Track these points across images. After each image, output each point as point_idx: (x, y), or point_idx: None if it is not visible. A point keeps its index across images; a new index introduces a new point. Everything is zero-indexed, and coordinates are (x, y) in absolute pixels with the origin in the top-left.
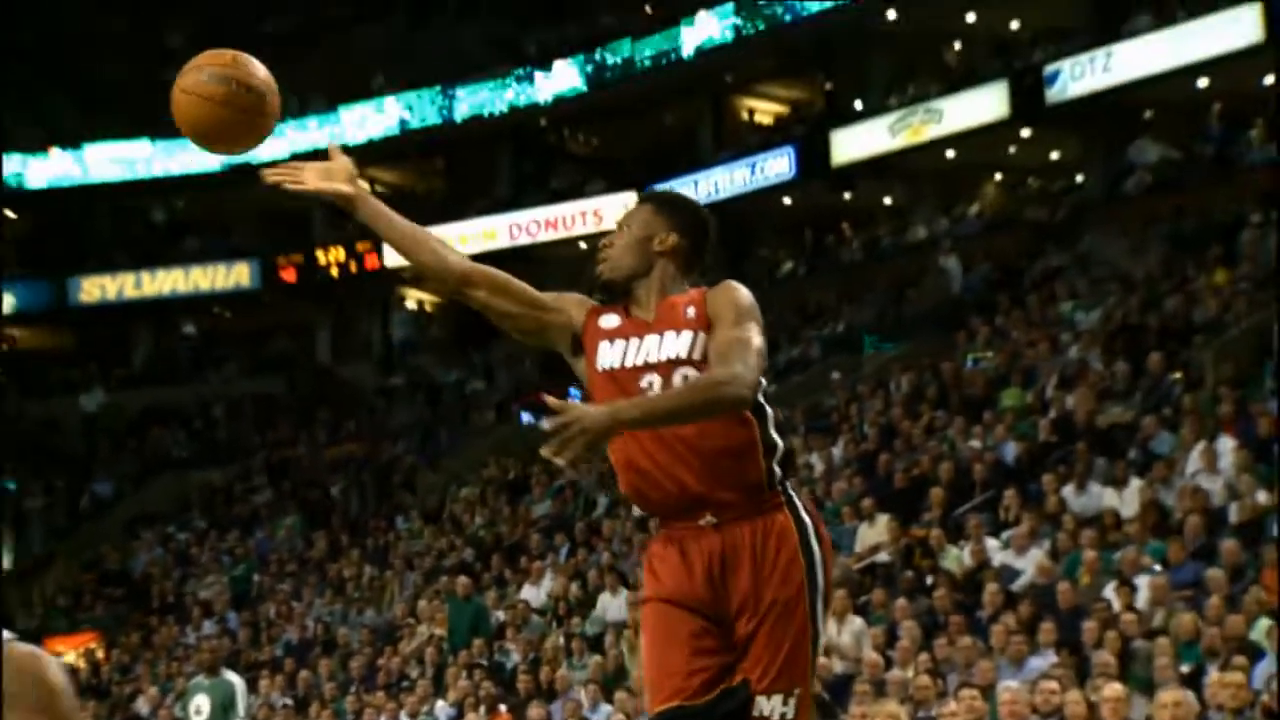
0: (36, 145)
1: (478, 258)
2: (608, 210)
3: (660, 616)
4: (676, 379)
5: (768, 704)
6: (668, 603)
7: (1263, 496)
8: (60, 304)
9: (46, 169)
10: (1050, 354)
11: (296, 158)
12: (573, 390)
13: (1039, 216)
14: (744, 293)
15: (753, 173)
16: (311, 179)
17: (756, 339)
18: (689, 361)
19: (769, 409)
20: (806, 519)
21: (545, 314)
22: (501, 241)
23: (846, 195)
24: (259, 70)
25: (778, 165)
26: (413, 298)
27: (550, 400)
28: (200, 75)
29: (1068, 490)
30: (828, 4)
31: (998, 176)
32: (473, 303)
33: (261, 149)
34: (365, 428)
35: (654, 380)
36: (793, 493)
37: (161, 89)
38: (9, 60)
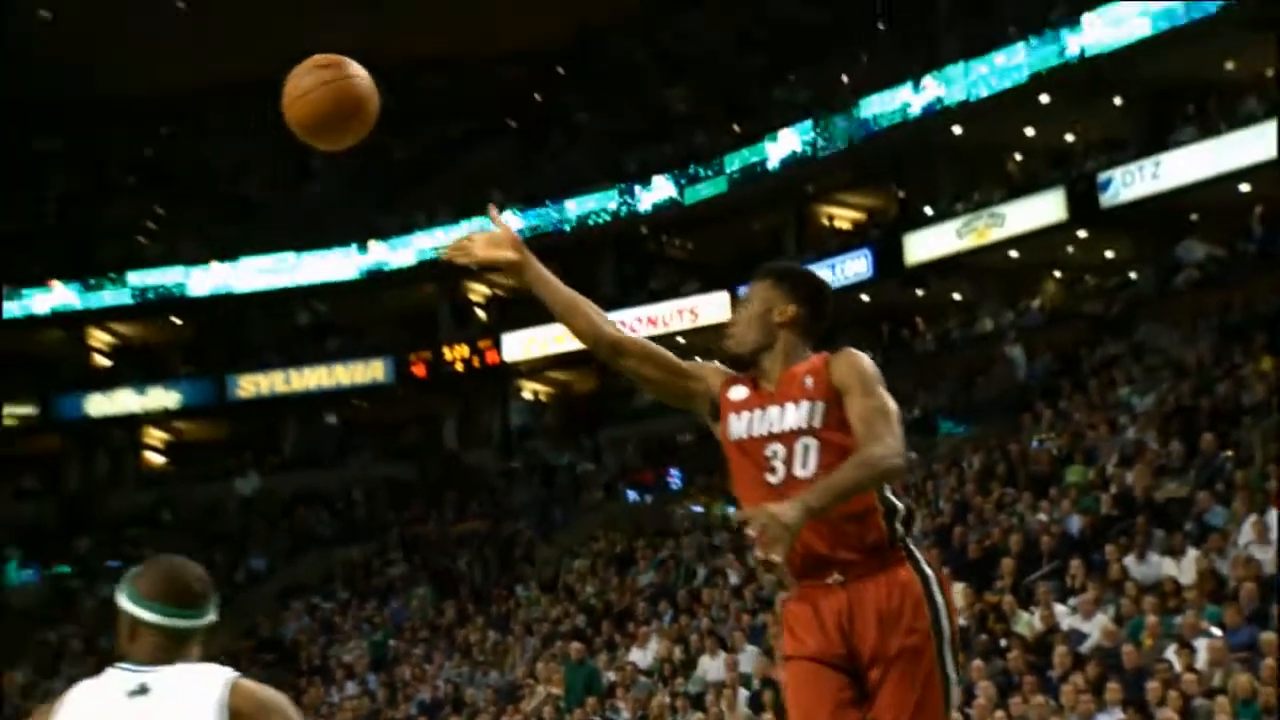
0: (198, 258)
1: (585, 354)
2: (702, 308)
3: (802, 673)
4: (798, 448)
5: None
6: (808, 660)
7: None
8: (220, 400)
9: (207, 279)
10: (1110, 434)
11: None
12: (673, 471)
13: (1096, 310)
14: (865, 360)
15: (833, 273)
16: (480, 249)
17: (890, 404)
18: (809, 431)
19: None
20: (929, 571)
21: (687, 382)
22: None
23: (919, 292)
24: (354, 66)
25: (856, 266)
26: (529, 389)
27: (742, 514)
28: (302, 79)
29: (1129, 560)
30: (897, 121)
31: (1057, 274)
32: (623, 369)
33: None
34: (488, 506)
35: (778, 449)
36: (914, 549)
37: (302, 205)
38: (174, 185)
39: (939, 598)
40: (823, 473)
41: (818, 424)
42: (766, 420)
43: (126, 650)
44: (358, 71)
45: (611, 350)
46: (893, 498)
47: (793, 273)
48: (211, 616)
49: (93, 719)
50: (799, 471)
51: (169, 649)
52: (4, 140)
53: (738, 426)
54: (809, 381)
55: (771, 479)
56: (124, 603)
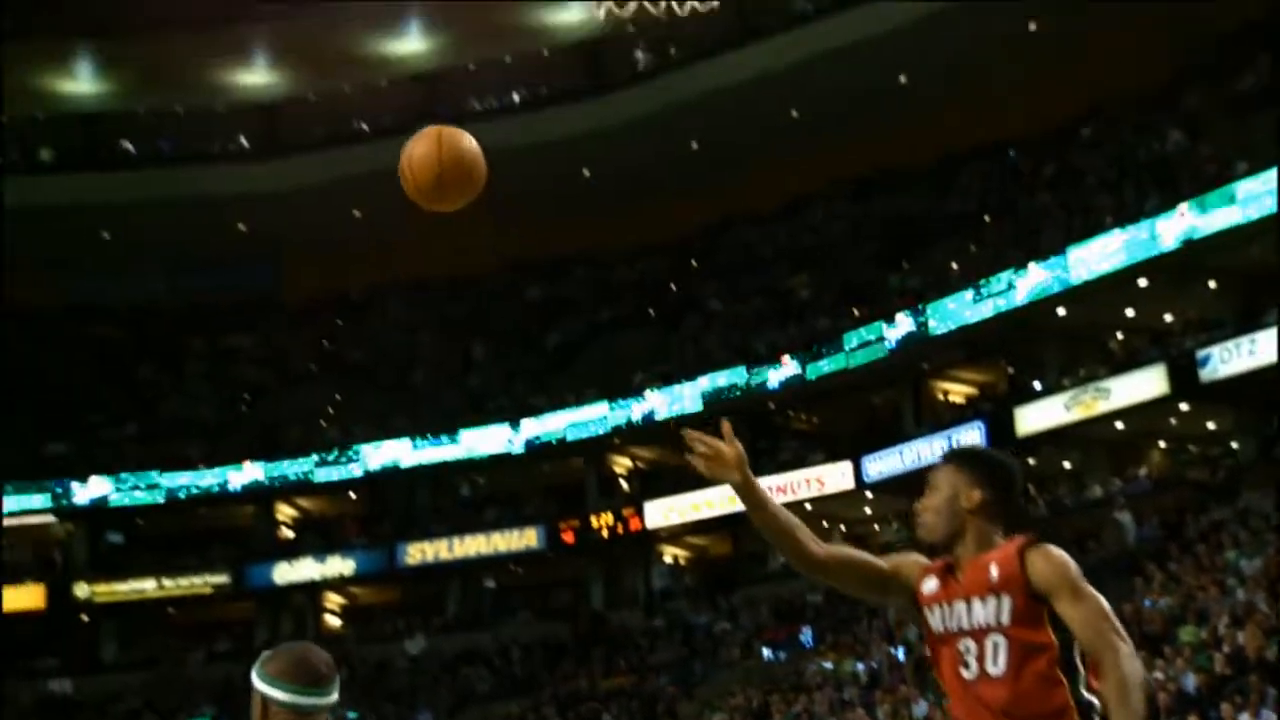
0: (371, 438)
1: (720, 520)
2: (827, 477)
3: None
4: (988, 645)
5: None
6: None
7: None
8: (390, 566)
9: (379, 456)
10: (1220, 596)
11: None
12: (804, 629)
13: (1200, 477)
14: (1063, 558)
15: (949, 444)
16: (712, 466)
17: (1103, 601)
18: (998, 628)
19: (1082, 668)
20: None
21: (887, 583)
22: (740, 507)
23: (1031, 461)
24: (465, 140)
25: (970, 437)
26: (669, 553)
27: None
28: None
29: (1244, 717)
30: (1005, 304)
31: (1162, 444)
32: (825, 582)
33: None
34: (633, 663)
35: (970, 645)
36: None
37: (466, 390)
38: (350, 374)
39: None
40: (1012, 671)
41: (1006, 621)
42: (956, 615)
43: None
44: (464, 139)
45: (815, 569)
46: (1085, 693)
47: (977, 456)
48: (334, 697)
49: None
50: (991, 669)
51: None
52: (204, 337)
53: (933, 620)
54: (995, 574)
55: (966, 674)
56: (258, 683)
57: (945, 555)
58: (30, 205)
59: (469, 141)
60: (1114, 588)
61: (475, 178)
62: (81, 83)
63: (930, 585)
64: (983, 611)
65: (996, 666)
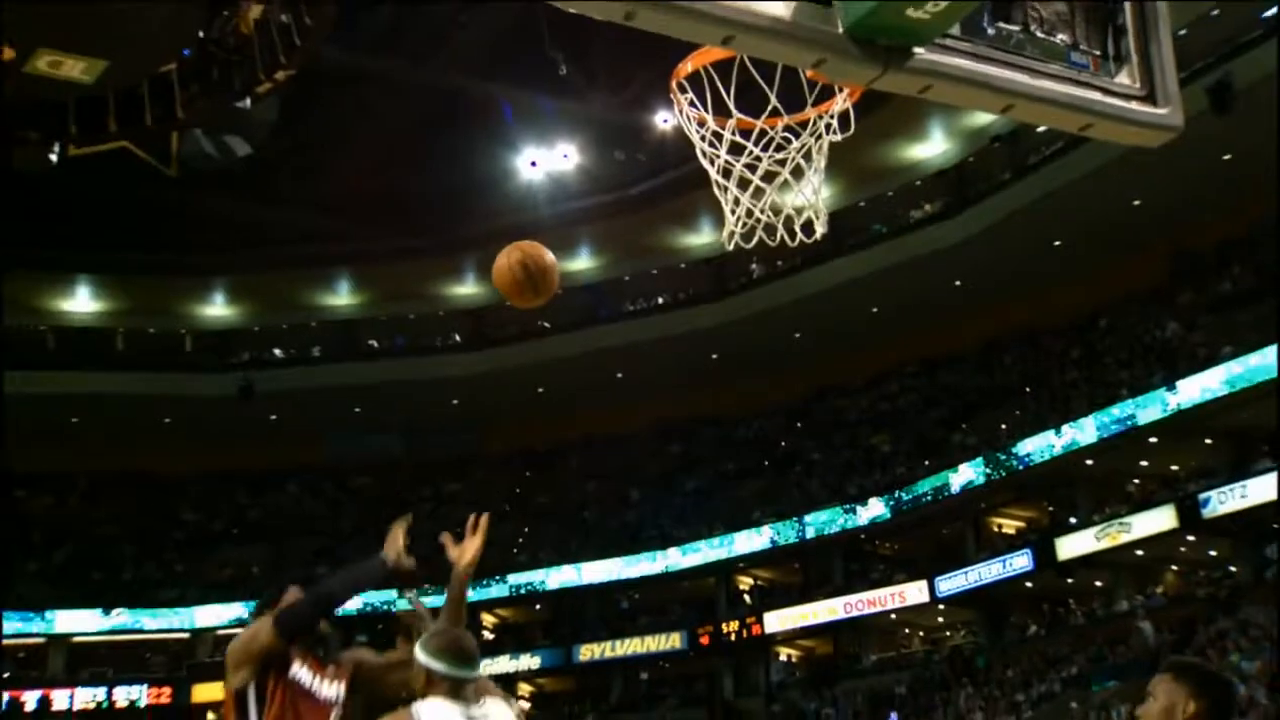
0: (552, 562)
1: (824, 626)
2: (908, 593)
3: None
4: None
5: None
6: None
7: None
8: (567, 662)
9: (559, 577)
10: None
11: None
12: (892, 713)
13: (1207, 593)
14: None
15: (1004, 567)
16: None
17: None
18: None
19: None
20: None
21: None
22: (839, 615)
23: (1069, 580)
24: (546, 255)
25: (1020, 561)
26: (784, 652)
27: None
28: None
29: None
30: (1045, 457)
31: (1174, 568)
32: None
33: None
34: None
35: None
36: None
37: (625, 525)
38: (536, 513)
39: None
40: None
41: None
42: None
43: (422, 695)
44: (543, 255)
45: None
46: None
47: (1196, 670)
48: (479, 672)
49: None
50: None
51: (454, 693)
52: (430, 485)
53: None
54: None
55: None
56: (422, 657)
57: None
58: (301, 388)
59: (548, 255)
60: (1138, 680)
61: (547, 283)
62: (341, 297)
63: None
64: None
65: None
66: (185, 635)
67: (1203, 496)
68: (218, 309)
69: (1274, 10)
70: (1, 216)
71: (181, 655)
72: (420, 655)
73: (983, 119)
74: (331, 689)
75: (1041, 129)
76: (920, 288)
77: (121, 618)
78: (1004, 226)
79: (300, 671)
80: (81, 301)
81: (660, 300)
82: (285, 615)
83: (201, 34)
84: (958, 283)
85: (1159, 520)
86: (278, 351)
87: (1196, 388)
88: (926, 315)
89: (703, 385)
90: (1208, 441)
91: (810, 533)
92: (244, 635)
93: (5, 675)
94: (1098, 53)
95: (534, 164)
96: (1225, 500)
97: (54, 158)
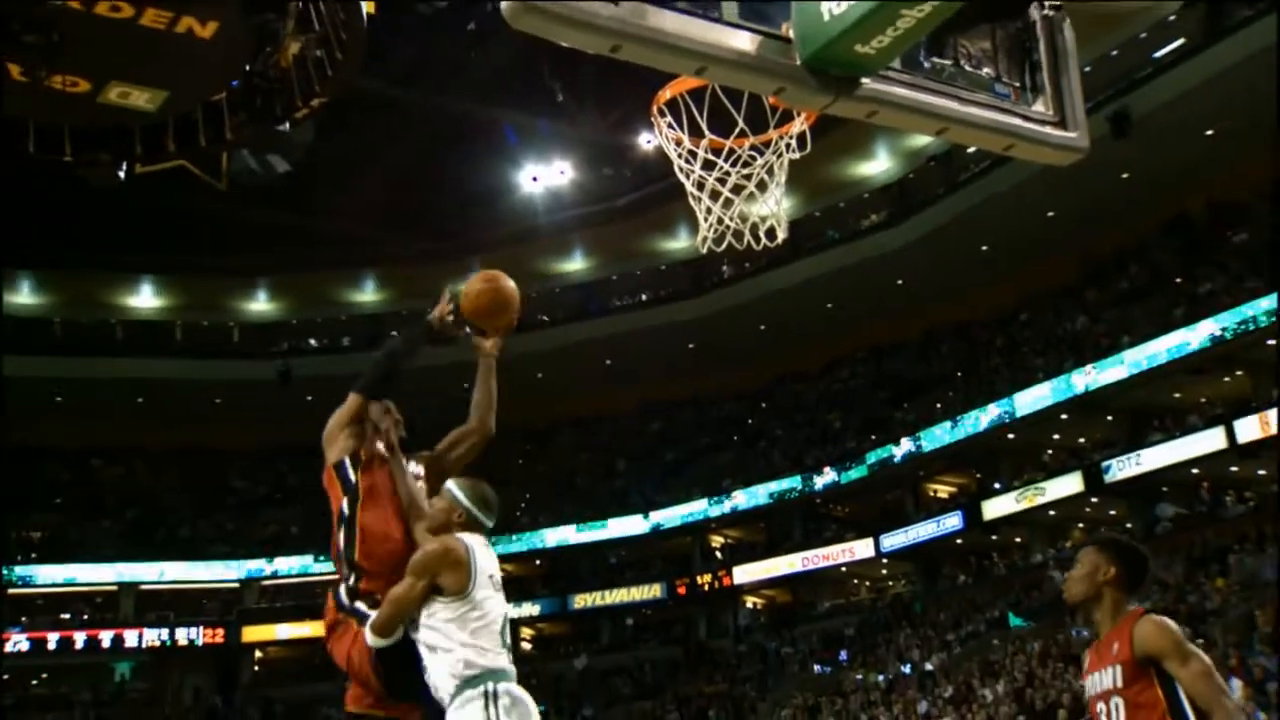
0: (552, 524)
1: (784, 578)
2: (856, 550)
3: None
4: (1112, 706)
5: None
6: None
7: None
8: (563, 610)
9: (556, 536)
10: None
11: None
12: (842, 652)
13: None
14: (1167, 626)
15: (938, 526)
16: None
17: (1206, 660)
18: (1116, 691)
19: (1190, 714)
20: None
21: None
22: (797, 568)
23: (993, 537)
24: (507, 284)
25: (952, 521)
26: (749, 600)
27: None
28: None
29: None
30: (974, 431)
31: (1080, 525)
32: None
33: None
34: (726, 676)
35: (1103, 706)
36: None
37: (612, 492)
38: (535, 481)
39: None
40: None
41: (1120, 684)
42: (1094, 682)
43: (453, 529)
44: (507, 282)
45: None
46: None
47: (1115, 541)
48: (493, 523)
49: (485, 551)
50: None
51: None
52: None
53: (1089, 688)
54: (1115, 647)
55: None
56: (454, 491)
57: (1085, 619)
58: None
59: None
60: (1050, 621)
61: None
62: (367, 295)
63: (1088, 660)
64: (1106, 679)
65: None
66: (235, 585)
67: (1105, 464)
68: (261, 305)
69: (1164, 51)
70: (79, 225)
71: (232, 602)
72: (459, 495)
73: (921, 140)
74: (416, 467)
75: (971, 150)
76: (868, 286)
77: (180, 569)
78: (939, 234)
79: (387, 453)
80: (145, 298)
81: (643, 297)
82: (360, 380)
83: (248, 68)
84: (900, 282)
85: (1068, 485)
86: (313, 341)
87: (1101, 372)
88: (873, 310)
89: (680, 371)
90: (1109, 418)
91: (773, 498)
92: (333, 416)
93: (85, 616)
94: (1017, 84)
95: (534, 179)
96: (1123, 468)
97: (121, 175)
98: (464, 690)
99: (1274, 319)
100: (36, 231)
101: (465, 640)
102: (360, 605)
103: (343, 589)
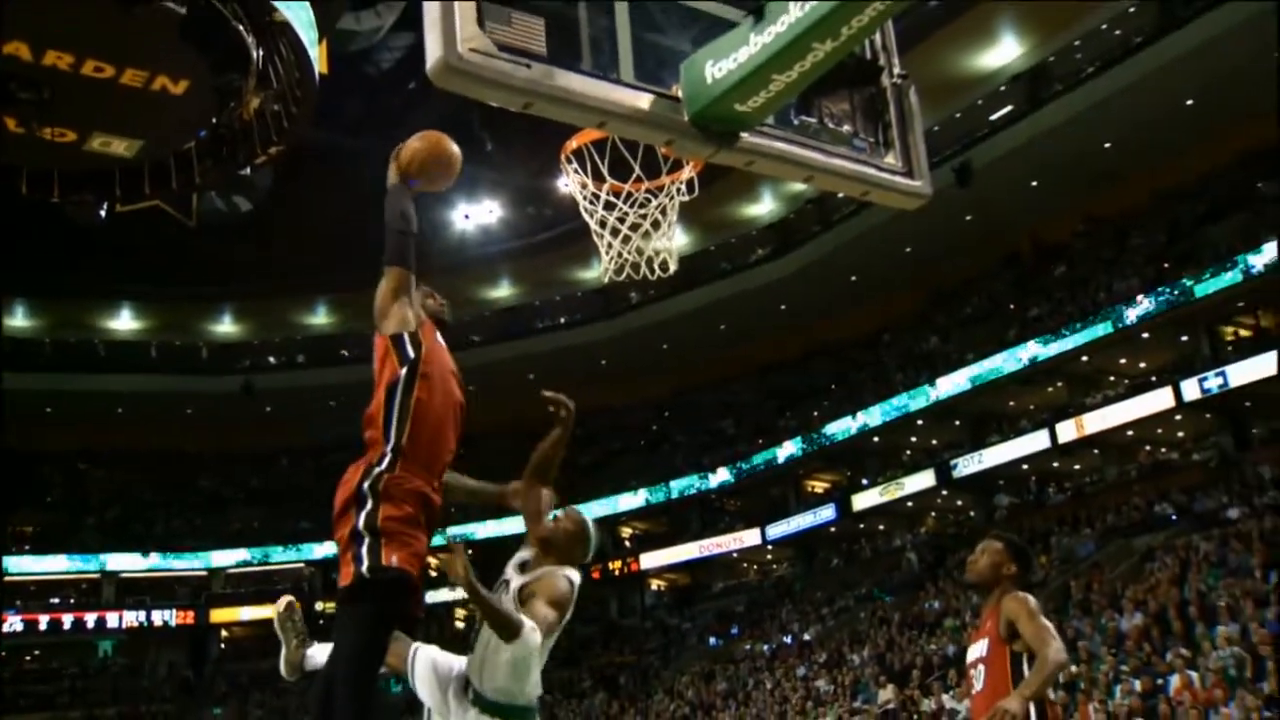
0: (479, 518)
1: (684, 564)
2: (746, 538)
3: None
4: (979, 671)
5: None
6: None
7: None
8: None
9: (486, 529)
10: (966, 599)
11: (598, 520)
12: (734, 627)
13: (954, 532)
14: (1026, 598)
15: (815, 516)
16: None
17: (1048, 624)
18: (983, 660)
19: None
20: None
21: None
22: (695, 555)
23: (861, 525)
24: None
25: (826, 512)
26: (654, 583)
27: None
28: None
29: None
30: (847, 435)
31: (933, 515)
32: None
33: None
34: (634, 647)
35: (973, 672)
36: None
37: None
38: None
39: None
40: (990, 683)
41: (986, 655)
42: (971, 652)
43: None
44: (447, 144)
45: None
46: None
47: (1015, 541)
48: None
49: None
50: (977, 687)
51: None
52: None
53: (968, 656)
54: (989, 624)
55: (973, 691)
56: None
57: (979, 595)
58: (290, 387)
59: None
60: (905, 596)
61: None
62: (320, 318)
63: (971, 633)
64: (979, 649)
65: (979, 686)
66: (204, 573)
67: (953, 462)
68: (226, 326)
69: (998, 115)
70: (67, 258)
71: (201, 588)
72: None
73: (799, 186)
74: (548, 495)
75: (840, 195)
76: (755, 311)
77: (156, 559)
78: (815, 266)
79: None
80: (125, 321)
81: (562, 320)
82: (390, 253)
83: (214, 120)
84: (782, 308)
85: (923, 480)
86: (272, 359)
87: (949, 384)
88: (759, 332)
89: (594, 384)
90: (956, 423)
91: (674, 494)
92: (378, 296)
93: (71, 601)
94: (872, 140)
95: (466, 216)
96: (968, 465)
97: (103, 214)
98: (525, 713)
99: (1086, 340)
100: (30, 263)
101: (538, 668)
102: (366, 545)
103: (368, 479)
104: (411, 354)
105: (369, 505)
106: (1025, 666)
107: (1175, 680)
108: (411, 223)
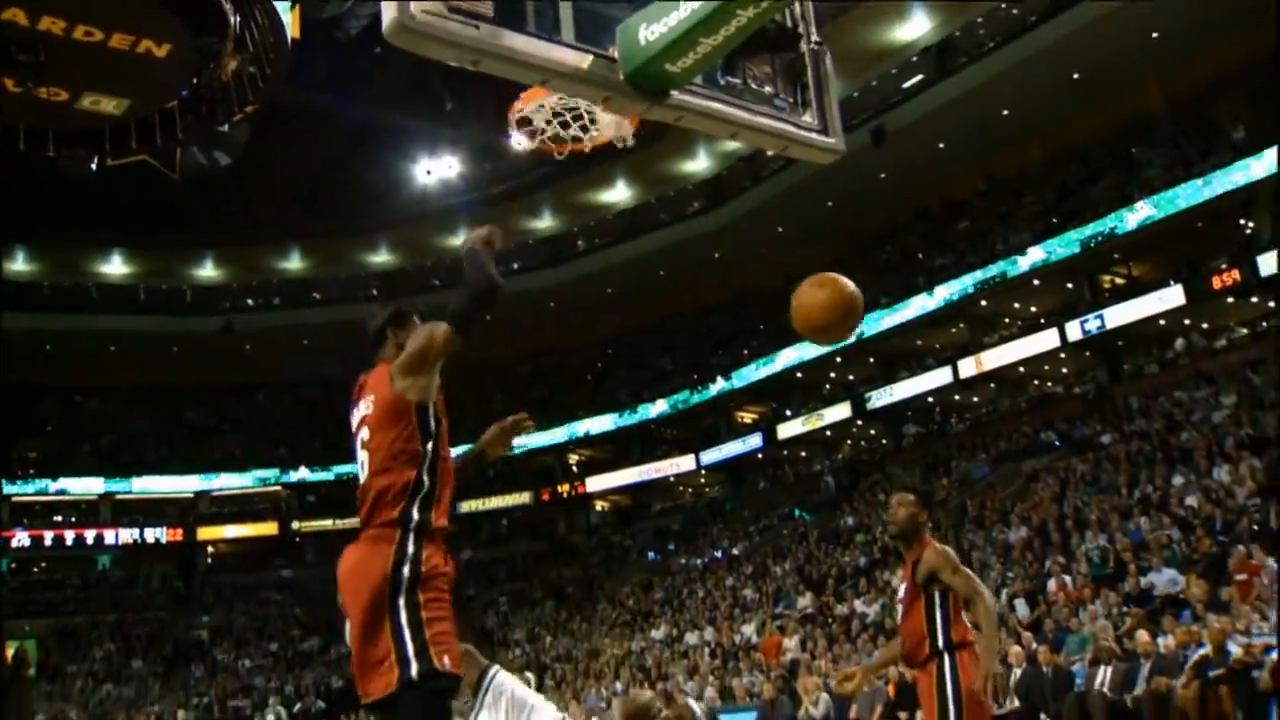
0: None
1: (626, 486)
2: (682, 464)
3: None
4: (899, 607)
5: None
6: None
7: None
8: (452, 512)
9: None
10: (878, 516)
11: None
12: (671, 544)
13: (868, 457)
14: (943, 551)
15: (744, 444)
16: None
17: (968, 572)
18: (901, 601)
19: (938, 612)
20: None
21: None
22: (636, 479)
23: (785, 452)
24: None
25: (754, 440)
26: (599, 504)
27: (980, 681)
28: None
29: (893, 578)
30: (772, 372)
31: (849, 443)
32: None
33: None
34: (581, 561)
35: (898, 609)
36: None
37: (491, 421)
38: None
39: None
40: (907, 621)
41: (905, 597)
42: (901, 593)
43: None
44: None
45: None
46: (968, 623)
47: (921, 492)
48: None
49: None
50: (899, 619)
51: None
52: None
53: (900, 594)
54: (910, 568)
55: (897, 619)
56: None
57: (901, 545)
58: (267, 327)
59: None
60: (823, 515)
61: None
62: (293, 263)
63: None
64: (904, 589)
65: (899, 618)
66: (191, 495)
67: (867, 396)
68: (208, 271)
69: (909, 83)
70: (63, 208)
71: (188, 509)
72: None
73: (732, 145)
74: None
75: (770, 151)
76: (691, 259)
77: (147, 483)
78: (746, 218)
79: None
80: (115, 266)
81: (515, 266)
82: (458, 317)
83: (195, 80)
84: (716, 255)
85: (840, 412)
86: (250, 301)
87: (864, 326)
88: (695, 278)
89: (544, 325)
90: (871, 360)
91: (617, 425)
92: (415, 343)
93: (72, 520)
94: (791, 100)
95: (428, 171)
96: (880, 398)
97: (93, 167)
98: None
99: (983, 287)
100: (30, 213)
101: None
102: (411, 646)
103: (403, 566)
104: (434, 429)
105: (407, 598)
106: (937, 608)
107: (1052, 583)
108: (484, 288)
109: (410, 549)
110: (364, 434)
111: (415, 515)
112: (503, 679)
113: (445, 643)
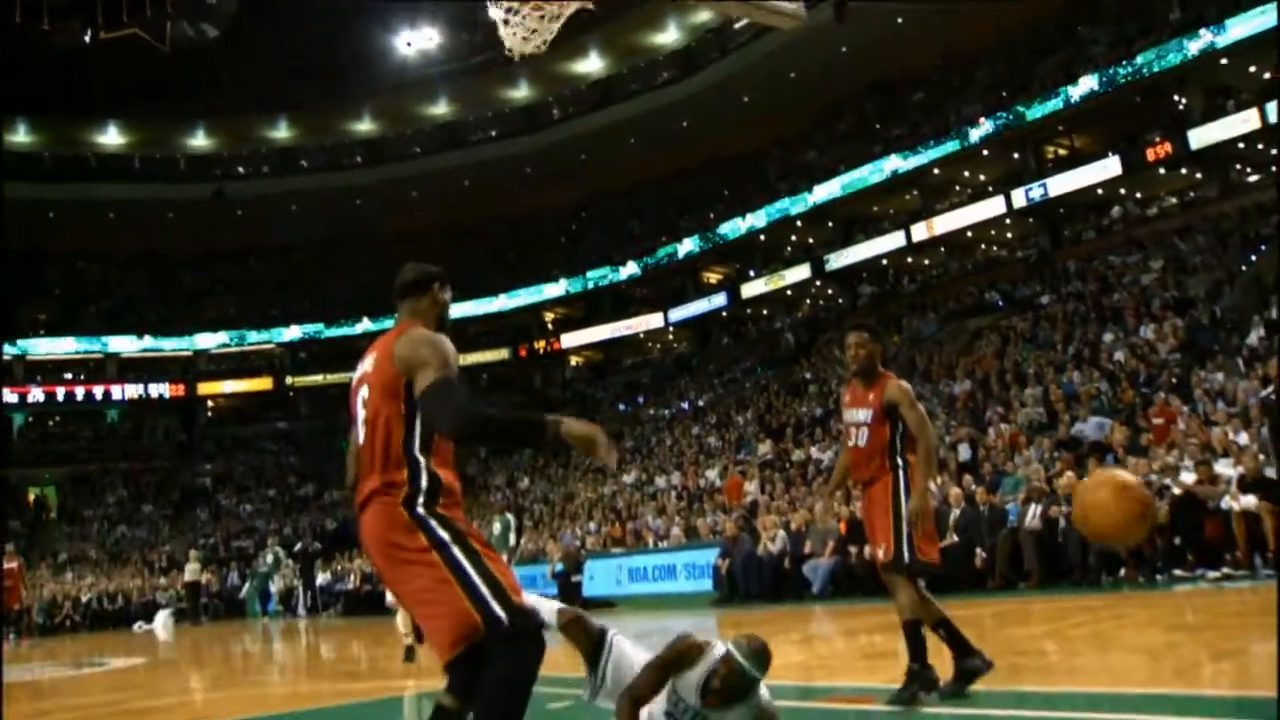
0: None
1: (599, 343)
2: (651, 321)
3: None
4: (862, 431)
5: None
6: None
7: None
8: None
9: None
10: (837, 376)
11: (525, 307)
12: (640, 396)
13: (825, 316)
14: (906, 386)
15: (709, 303)
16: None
17: (922, 410)
18: (866, 424)
19: (898, 440)
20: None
21: None
22: (608, 336)
23: (748, 310)
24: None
25: (720, 299)
26: (574, 359)
27: (914, 507)
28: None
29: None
30: (739, 234)
31: (808, 301)
32: None
33: (509, 304)
34: (556, 413)
35: (854, 430)
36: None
37: (468, 277)
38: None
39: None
40: (870, 443)
41: (870, 420)
42: (851, 415)
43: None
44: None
45: None
46: (911, 457)
47: (874, 327)
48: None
49: None
50: (859, 443)
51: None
52: (325, 263)
53: (845, 415)
54: (872, 397)
55: (850, 444)
56: (737, 655)
57: (858, 379)
58: (257, 194)
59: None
60: (783, 369)
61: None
62: (281, 132)
63: (848, 395)
64: (863, 414)
65: (862, 441)
66: (190, 354)
67: (826, 258)
68: (200, 140)
69: None
70: (60, 81)
71: (189, 366)
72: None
73: (701, 16)
74: None
75: (737, 25)
76: (663, 126)
77: (149, 342)
78: (713, 89)
79: None
80: (112, 136)
81: (493, 133)
82: (465, 421)
83: None
84: (684, 125)
85: (800, 273)
86: (240, 169)
87: (824, 191)
88: (664, 146)
89: (520, 191)
90: (830, 224)
91: (590, 284)
92: (417, 359)
93: (82, 377)
94: None
95: (409, 44)
96: (838, 260)
97: (86, 39)
98: None
99: (937, 156)
100: (30, 86)
101: None
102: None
103: (416, 504)
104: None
105: (447, 529)
106: (896, 434)
107: (992, 432)
108: (498, 429)
109: (423, 498)
110: (364, 392)
111: (423, 478)
112: (622, 646)
113: (510, 578)
